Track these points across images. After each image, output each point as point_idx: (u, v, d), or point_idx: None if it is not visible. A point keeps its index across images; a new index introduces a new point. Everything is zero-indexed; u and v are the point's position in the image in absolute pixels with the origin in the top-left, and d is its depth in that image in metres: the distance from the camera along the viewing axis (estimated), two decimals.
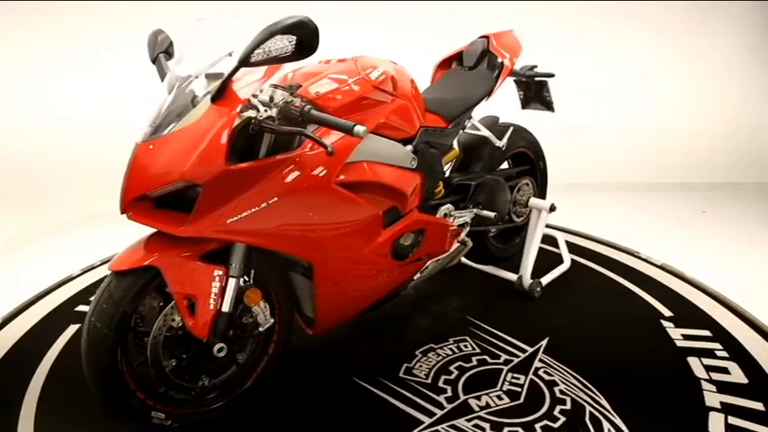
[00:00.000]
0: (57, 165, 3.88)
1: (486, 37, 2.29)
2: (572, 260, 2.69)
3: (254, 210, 1.41)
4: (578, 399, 1.74)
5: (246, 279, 1.55)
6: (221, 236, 1.41)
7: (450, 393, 1.79)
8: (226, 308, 1.48)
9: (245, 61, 1.26)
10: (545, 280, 2.44)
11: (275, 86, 1.43)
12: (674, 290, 2.46)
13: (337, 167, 1.54)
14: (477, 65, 2.23)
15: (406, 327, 2.20)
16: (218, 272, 1.46)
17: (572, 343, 2.05)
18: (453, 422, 1.65)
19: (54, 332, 2.12)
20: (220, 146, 1.32)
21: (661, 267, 2.69)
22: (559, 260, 2.65)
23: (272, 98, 1.38)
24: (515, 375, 1.88)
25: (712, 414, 1.67)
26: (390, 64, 1.80)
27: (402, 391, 1.80)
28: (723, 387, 1.79)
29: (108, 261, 3.02)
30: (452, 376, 1.87)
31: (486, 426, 1.64)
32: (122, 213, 1.40)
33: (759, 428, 1.60)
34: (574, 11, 4.56)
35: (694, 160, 4.49)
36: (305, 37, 1.18)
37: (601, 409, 1.70)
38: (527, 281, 2.38)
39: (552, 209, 2.38)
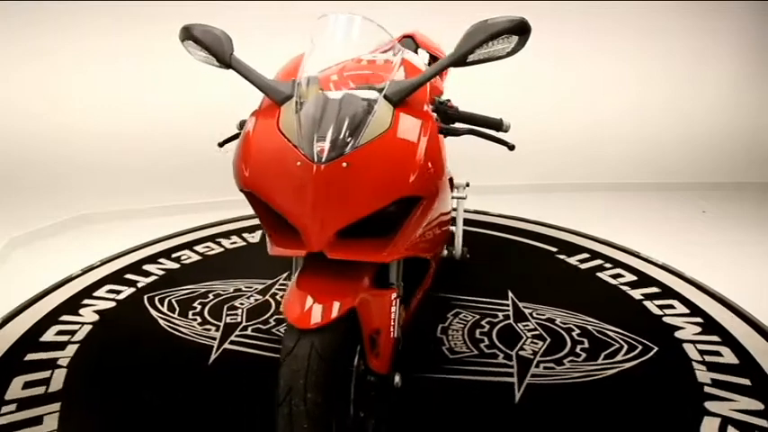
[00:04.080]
0: (57, 165, 3.76)
1: (410, 36, 2.46)
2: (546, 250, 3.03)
3: (428, 217, 1.35)
4: (579, 324, 2.23)
5: None
6: (409, 253, 1.30)
7: (502, 354, 2.03)
8: (397, 333, 1.37)
9: (461, 62, 1.20)
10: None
11: None
12: (672, 287, 2.54)
13: None
14: None
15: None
16: (393, 295, 1.33)
17: (531, 289, 2.52)
18: (531, 372, 1.92)
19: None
20: (440, 152, 1.22)
21: (661, 267, 2.76)
22: None
23: None
24: (524, 323, 2.24)
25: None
26: None
27: (470, 367, 1.95)
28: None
29: (108, 261, 2.78)
30: (487, 341, 2.11)
31: (552, 365, 1.96)
32: (313, 251, 1.14)
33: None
34: (572, 10, 4.41)
35: (694, 160, 4.51)
36: (524, 37, 1.22)
37: (596, 324, 2.23)
38: (458, 250, 2.73)
39: (467, 185, 2.77)
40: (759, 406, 1.75)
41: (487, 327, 2.21)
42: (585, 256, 2.91)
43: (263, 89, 1.29)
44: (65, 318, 2.22)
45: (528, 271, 2.76)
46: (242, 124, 1.70)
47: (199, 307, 2.32)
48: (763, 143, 4.70)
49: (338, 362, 1.18)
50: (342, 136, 1.17)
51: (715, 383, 1.86)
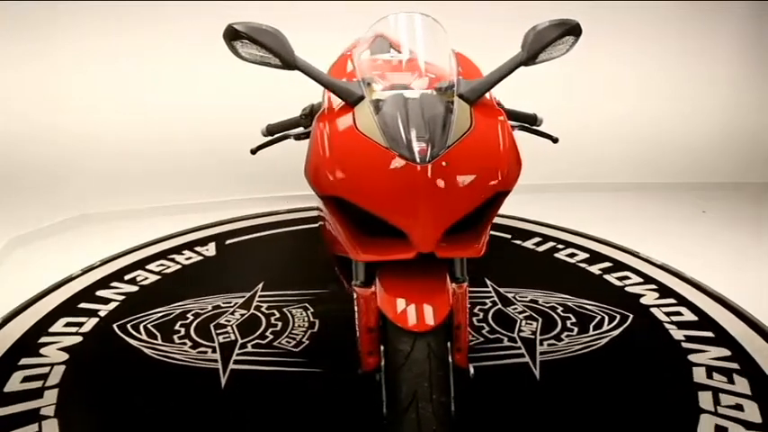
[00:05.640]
0: (57, 165, 3.64)
1: (382, 35, 2.45)
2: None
3: None
4: (560, 302, 2.41)
5: None
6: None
7: (506, 338, 2.13)
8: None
9: (530, 62, 1.24)
10: None
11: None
12: (673, 289, 2.53)
13: None
14: None
15: None
16: (467, 288, 1.34)
17: (504, 274, 2.65)
18: (540, 351, 2.04)
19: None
20: (516, 148, 1.25)
21: (661, 267, 2.76)
22: None
23: None
24: (513, 308, 2.36)
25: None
26: None
27: (483, 354, 2.02)
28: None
29: (108, 261, 2.74)
30: (488, 328, 2.20)
31: (553, 341, 2.11)
32: (423, 252, 1.12)
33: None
34: (571, 11, 3.99)
35: (694, 160, 4.45)
36: (578, 38, 1.28)
37: (574, 301, 2.42)
38: None
39: None
40: (727, 353, 2.04)
41: (481, 314, 2.30)
42: (538, 239, 3.14)
43: (334, 90, 1.24)
44: (25, 361, 1.90)
45: (495, 257, 2.89)
46: (268, 130, 1.59)
47: (182, 330, 2.13)
48: (763, 143, 4.58)
49: (448, 360, 1.18)
50: (433, 136, 1.16)
51: (688, 339, 2.13)
